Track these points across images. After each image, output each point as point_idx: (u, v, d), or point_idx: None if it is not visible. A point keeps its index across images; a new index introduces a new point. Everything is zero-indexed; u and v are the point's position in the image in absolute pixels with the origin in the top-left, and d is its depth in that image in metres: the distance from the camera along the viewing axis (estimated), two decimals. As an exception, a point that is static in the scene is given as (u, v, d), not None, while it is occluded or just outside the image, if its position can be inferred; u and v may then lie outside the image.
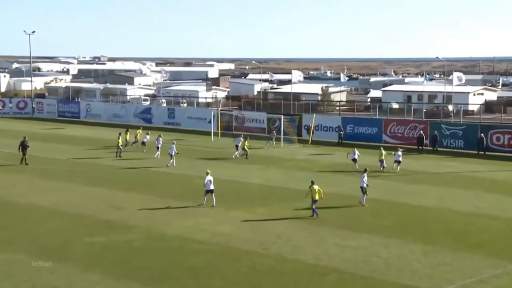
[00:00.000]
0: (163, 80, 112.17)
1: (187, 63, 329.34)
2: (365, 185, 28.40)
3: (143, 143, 46.28)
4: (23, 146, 40.63)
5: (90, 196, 30.45)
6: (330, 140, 53.23)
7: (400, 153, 38.77)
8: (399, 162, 38.26)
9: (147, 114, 68.71)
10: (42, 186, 32.93)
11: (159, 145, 43.05)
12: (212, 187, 28.21)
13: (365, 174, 28.69)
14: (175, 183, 33.78)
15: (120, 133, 44.82)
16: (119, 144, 43.54)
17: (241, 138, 44.28)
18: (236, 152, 43.38)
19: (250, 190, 32.29)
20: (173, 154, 39.11)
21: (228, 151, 47.02)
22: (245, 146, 43.30)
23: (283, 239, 23.15)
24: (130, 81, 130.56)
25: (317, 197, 26.14)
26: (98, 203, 28.85)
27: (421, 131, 48.99)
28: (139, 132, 48.88)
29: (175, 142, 41.12)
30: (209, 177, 28.19)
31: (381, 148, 39.77)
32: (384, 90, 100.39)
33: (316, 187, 26.30)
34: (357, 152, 39.43)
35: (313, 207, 26.27)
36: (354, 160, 39.22)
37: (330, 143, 51.99)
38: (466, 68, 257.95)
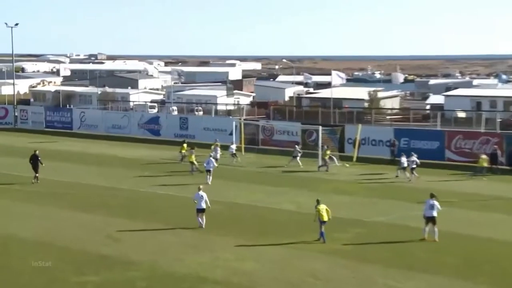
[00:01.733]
0: (174, 83, 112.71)
1: (203, 62, 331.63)
2: (435, 214, 27.95)
3: (233, 154, 50.13)
4: (34, 162, 41.64)
5: (82, 224, 30.63)
6: (380, 156, 52.85)
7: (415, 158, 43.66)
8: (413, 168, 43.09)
9: (154, 124, 69.09)
10: (24, 212, 33.22)
11: (218, 157, 46.53)
12: (203, 205, 29.88)
13: (435, 201, 28.18)
14: (186, 208, 33.72)
15: (192, 148, 47.44)
16: (191, 160, 45.12)
17: (325, 147, 48.24)
18: (324, 164, 46.94)
19: (278, 218, 32.19)
20: (211, 168, 41.41)
21: (252, 169, 46.95)
22: (326, 157, 46.84)
23: (320, 279, 23.00)
24: (134, 84, 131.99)
25: (325, 218, 27.64)
26: (91, 233, 29.00)
27: (495, 146, 48.41)
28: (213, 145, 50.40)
29: (212, 155, 43.69)
30: (201, 193, 30.05)
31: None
32: (447, 95, 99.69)
33: (323, 206, 27.88)
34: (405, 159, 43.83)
35: (322, 230, 27.57)
36: (403, 168, 43.55)
37: (380, 161, 51.60)
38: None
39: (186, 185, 40.44)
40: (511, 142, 48.52)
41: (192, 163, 44.98)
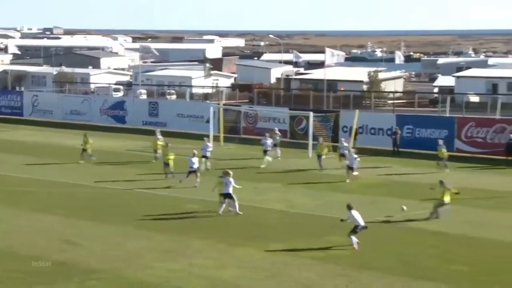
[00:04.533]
0: (143, 62, 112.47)
1: (177, 37, 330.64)
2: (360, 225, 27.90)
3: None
4: None
5: (37, 228, 30.55)
6: (381, 147, 53.13)
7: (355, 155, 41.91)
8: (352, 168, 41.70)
9: (119, 110, 69.04)
10: (-31, 213, 33.09)
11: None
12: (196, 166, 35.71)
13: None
14: (159, 209, 33.79)
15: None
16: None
17: (320, 139, 47.10)
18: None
19: (264, 219, 32.30)
20: (196, 168, 39.02)
21: (233, 162, 47.00)
22: (323, 153, 45.62)
23: (311, 289, 23.12)
24: (96, 63, 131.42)
25: (228, 190, 32.06)
26: (47, 238, 28.93)
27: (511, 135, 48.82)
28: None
29: (196, 152, 40.32)
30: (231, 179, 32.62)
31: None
32: (458, 76, 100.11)
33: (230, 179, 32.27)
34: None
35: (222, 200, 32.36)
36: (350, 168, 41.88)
37: (381, 152, 51.88)
38: None
39: (157, 180, 40.45)
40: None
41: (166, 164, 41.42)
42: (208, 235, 29.23)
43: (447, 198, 31.58)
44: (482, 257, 26.88)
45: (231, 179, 32.45)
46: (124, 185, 39.65)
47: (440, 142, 45.66)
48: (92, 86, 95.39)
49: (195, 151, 40.39)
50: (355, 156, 41.76)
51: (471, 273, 24.90)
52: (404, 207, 31.98)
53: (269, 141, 46.47)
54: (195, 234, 29.29)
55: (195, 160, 39.11)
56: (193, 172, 38.83)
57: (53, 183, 40.40)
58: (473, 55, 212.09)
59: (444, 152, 44.55)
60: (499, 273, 24.97)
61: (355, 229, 27.61)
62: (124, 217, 32.30)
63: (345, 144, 46.27)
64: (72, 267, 25.14)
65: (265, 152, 46.19)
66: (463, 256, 26.89)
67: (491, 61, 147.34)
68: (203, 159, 43.05)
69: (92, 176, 42.34)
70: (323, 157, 45.16)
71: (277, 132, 50.74)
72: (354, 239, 27.51)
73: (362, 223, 27.66)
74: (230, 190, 32.24)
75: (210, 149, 44.44)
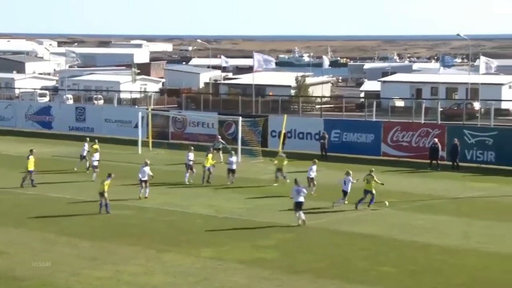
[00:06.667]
0: (69, 67, 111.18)
1: (104, 42, 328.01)
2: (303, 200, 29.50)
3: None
4: None
5: (-40, 235, 29.91)
6: (309, 151, 53.40)
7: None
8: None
9: (45, 115, 68.25)
10: None
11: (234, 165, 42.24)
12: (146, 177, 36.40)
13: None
14: (85, 215, 33.43)
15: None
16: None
17: (209, 150, 44.24)
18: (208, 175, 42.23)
19: (192, 224, 32.22)
20: (145, 178, 37.30)
21: (162, 168, 46.75)
22: (209, 164, 41.95)
23: (240, 294, 23.07)
24: (20, 68, 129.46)
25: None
26: (-29, 246, 28.35)
27: (435, 139, 49.54)
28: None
29: (148, 162, 38.61)
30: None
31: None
32: (383, 81, 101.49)
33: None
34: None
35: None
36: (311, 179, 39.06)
37: (309, 156, 52.01)
38: (501, 50, 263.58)
39: (84, 187, 40.01)
40: (453, 135, 49.60)
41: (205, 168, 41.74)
42: (135, 241, 28.99)
43: (370, 187, 34.57)
44: (408, 258, 27.25)
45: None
46: (48, 191, 39.17)
47: (281, 153, 44.08)
48: (17, 91, 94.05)
49: (147, 161, 38.84)
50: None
51: (398, 274, 25.22)
52: (387, 203, 35.04)
53: (192, 155, 42.52)
54: (121, 241, 29.05)
55: (147, 169, 37.50)
56: (143, 181, 37.35)
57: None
58: (397, 60, 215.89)
59: (282, 162, 42.18)
60: (422, 273, 25.34)
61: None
62: (48, 224, 31.94)
63: (234, 160, 42.40)
64: (-3, 276, 24.69)
65: (188, 166, 42.58)
66: (392, 258, 27.24)
67: (415, 66, 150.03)
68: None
69: (14, 182, 41.57)
70: (211, 168, 41.99)
71: (220, 140, 51.14)
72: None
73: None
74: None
75: (97, 158, 42.95)
